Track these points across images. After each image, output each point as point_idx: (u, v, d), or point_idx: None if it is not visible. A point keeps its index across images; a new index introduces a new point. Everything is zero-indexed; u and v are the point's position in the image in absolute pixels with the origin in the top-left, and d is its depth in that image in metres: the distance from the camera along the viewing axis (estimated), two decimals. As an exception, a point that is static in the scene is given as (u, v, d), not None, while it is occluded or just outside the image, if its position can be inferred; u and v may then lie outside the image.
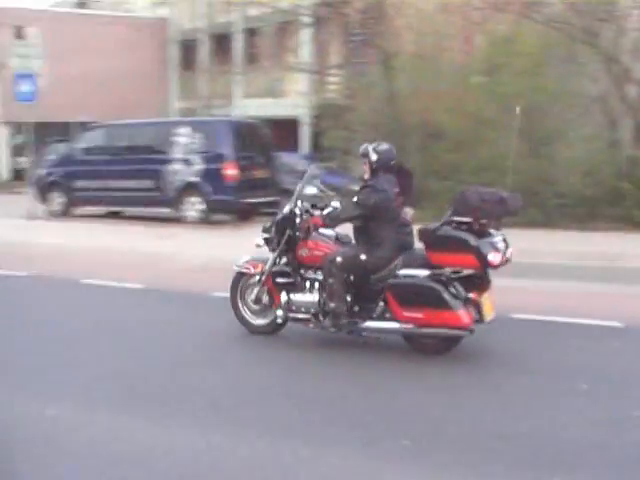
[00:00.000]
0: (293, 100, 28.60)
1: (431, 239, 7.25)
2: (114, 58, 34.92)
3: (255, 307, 8.45)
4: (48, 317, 9.76)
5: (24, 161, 29.62)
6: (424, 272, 7.28)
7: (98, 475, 5.13)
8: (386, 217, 7.61)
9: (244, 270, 8.45)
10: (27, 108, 20.08)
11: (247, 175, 17.85)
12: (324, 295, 7.75)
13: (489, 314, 7.29)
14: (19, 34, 29.01)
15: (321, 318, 7.85)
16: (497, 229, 7.39)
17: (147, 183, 18.33)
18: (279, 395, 6.55)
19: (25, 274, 12.50)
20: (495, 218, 7.34)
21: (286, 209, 8.22)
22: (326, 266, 7.65)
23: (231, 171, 17.46)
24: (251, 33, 34.29)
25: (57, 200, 19.75)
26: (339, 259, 7.57)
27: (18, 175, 29.61)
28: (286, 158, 20.53)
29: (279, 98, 30.16)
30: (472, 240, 7.05)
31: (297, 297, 8.02)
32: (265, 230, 8.34)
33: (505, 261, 7.21)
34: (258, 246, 8.46)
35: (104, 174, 19.02)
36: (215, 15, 35.88)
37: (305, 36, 27.62)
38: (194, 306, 10.14)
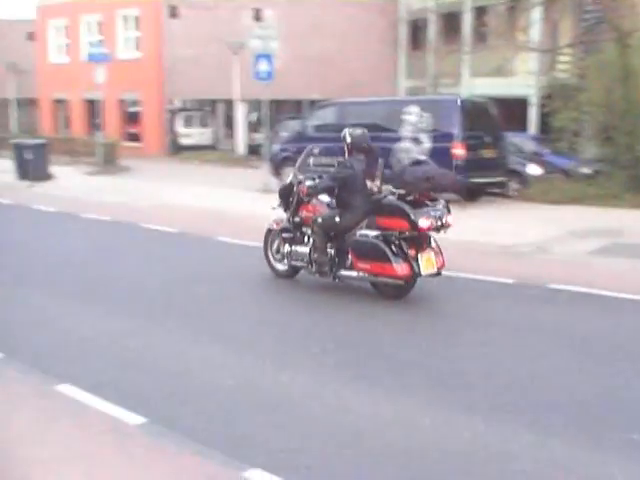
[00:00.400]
0: (522, 80, 28.09)
1: (377, 206, 9.28)
2: (345, 38, 35.83)
3: (277, 256, 10.55)
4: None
5: (259, 137, 31.19)
6: (374, 233, 9.15)
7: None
8: (353, 188, 9.54)
9: (271, 226, 10.66)
10: (264, 86, 21.12)
11: (475, 155, 17.83)
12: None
13: (426, 269, 9.06)
14: (258, 16, 30.49)
15: (310, 266, 9.92)
16: (434, 200, 9.15)
17: (376, 160, 18.76)
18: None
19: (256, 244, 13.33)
20: (421, 192, 9.08)
21: (288, 180, 10.54)
22: (311, 225, 9.85)
23: (459, 150, 17.50)
24: (480, 11, 33.93)
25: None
26: (319, 220, 9.73)
27: (253, 150, 31.18)
28: (513, 138, 20.26)
29: (508, 77, 29.66)
30: (407, 208, 8.91)
31: (296, 248, 10.18)
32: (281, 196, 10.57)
33: (440, 226, 9.02)
34: (273, 208, 10.81)
35: (334, 151, 19.63)
36: (445, -6, 35.86)
37: (536, 14, 26.97)
38: (418, 285, 10.36)
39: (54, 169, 24.81)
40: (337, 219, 9.58)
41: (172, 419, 5.91)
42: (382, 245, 9.03)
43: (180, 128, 34.91)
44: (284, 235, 10.37)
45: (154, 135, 34.03)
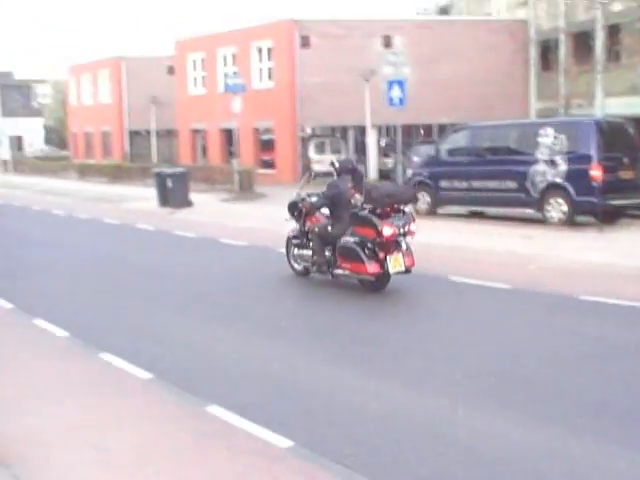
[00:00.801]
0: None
1: (354, 218, 11.51)
2: (474, 61, 35.65)
3: (294, 258, 12.95)
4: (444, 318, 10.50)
5: (390, 162, 31.39)
6: (353, 239, 11.38)
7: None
8: (340, 203, 11.96)
9: (289, 235, 12.99)
10: (394, 112, 21.31)
11: (613, 176, 17.41)
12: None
13: (394, 268, 11.15)
14: (387, 43, 30.75)
15: (312, 266, 12.43)
16: (399, 212, 11.31)
17: (510, 184, 18.59)
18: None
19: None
20: (385, 206, 11.21)
21: (293, 197, 13.00)
22: (311, 233, 12.32)
23: (596, 172, 17.11)
24: (613, 29, 33.15)
25: (423, 199, 20.69)
26: (316, 229, 12.26)
27: (384, 175, 31.39)
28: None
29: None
30: (374, 219, 11.12)
31: (302, 252, 12.67)
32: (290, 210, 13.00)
33: (404, 233, 11.18)
34: (286, 220, 13.25)
35: (468, 174, 19.61)
36: (575, 13, 35.20)
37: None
38: (562, 309, 10.21)
39: (193, 196, 25.72)
40: (329, 228, 12.07)
41: (319, 442, 6.05)
42: (358, 249, 11.32)
43: (312, 154, 35.49)
44: (294, 241, 12.92)
45: (287, 162, 34.74)
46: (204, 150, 40.78)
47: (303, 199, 12.72)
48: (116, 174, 39.48)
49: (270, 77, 35.69)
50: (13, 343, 9.69)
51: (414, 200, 12.77)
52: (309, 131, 37.46)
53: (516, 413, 6.52)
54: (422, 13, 49.44)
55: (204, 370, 8.20)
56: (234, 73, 31.40)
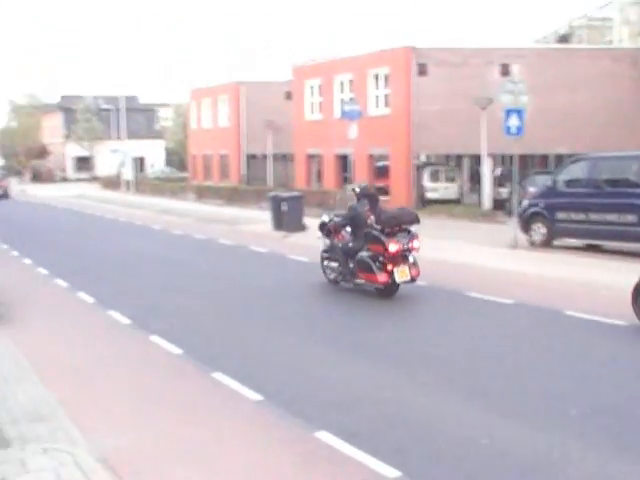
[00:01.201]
0: None
1: (368, 236, 13.65)
2: (594, 90, 34.82)
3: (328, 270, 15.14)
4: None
5: (505, 191, 30.94)
6: (368, 253, 13.58)
7: None
8: (359, 223, 14.20)
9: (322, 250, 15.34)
10: (511, 141, 21.02)
11: None
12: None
13: (401, 278, 13.32)
14: (505, 71, 30.44)
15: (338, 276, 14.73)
16: (401, 230, 13.53)
17: (630, 217, 18.03)
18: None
19: (509, 302, 13.21)
20: (392, 226, 13.50)
21: (322, 218, 15.59)
22: (337, 248, 14.58)
23: None
24: None
25: (538, 230, 20.31)
26: (340, 245, 14.58)
27: (499, 205, 30.96)
28: None
29: None
30: (382, 237, 13.36)
31: (331, 264, 14.98)
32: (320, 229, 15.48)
33: (408, 249, 13.42)
34: (318, 237, 15.98)
35: (585, 206, 19.14)
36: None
37: None
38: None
39: (307, 220, 26.01)
40: (351, 244, 14.34)
41: (427, 475, 6.03)
42: (370, 262, 13.53)
43: (427, 182, 35.39)
44: (324, 255, 15.24)
45: (401, 189, 34.69)
46: (319, 175, 41.21)
47: (331, 220, 15.29)
48: (232, 196, 40.38)
49: (386, 104, 35.83)
50: (130, 359, 10.05)
51: (416, 222, 13.99)
52: (424, 159, 37.37)
53: None
54: (541, 41, 48.73)
55: (313, 393, 8.29)
56: (350, 99, 31.66)
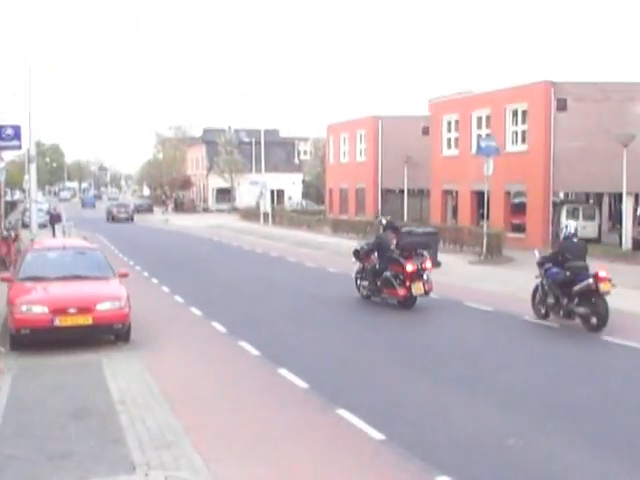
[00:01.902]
0: None
1: (390, 259, 17.08)
2: None
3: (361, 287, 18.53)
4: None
5: (648, 231, 29.70)
6: (390, 273, 16.91)
7: None
8: (383, 249, 17.60)
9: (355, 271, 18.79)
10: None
11: None
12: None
13: (416, 292, 16.60)
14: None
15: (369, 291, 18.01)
16: (416, 253, 17.20)
17: None
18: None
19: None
20: (409, 251, 17.19)
21: (356, 246, 19.13)
22: (366, 269, 17.93)
23: None
24: None
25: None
26: (369, 266, 17.84)
27: (638, 245, 29.77)
28: None
29: None
30: (401, 259, 16.84)
31: (363, 282, 18.23)
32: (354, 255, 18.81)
33: (422, 269, 16.69)
34: (353, 262, 18.95)
35: None
36: None
37: None
38: None
39: (441, 256, 25.77)
40: (377, 266, 17.68)
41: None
42: (392, 279, 17.00)
43: (564, 220, 34.44)
44: (357, 275, 18.69)
45: (538, 227, 33.87)
46: (454, 211, 40.85)
47: (362, 247, 18.79)
48: (368, 230, 40.52)
49: (524, 140, 35.20)
50: (257, 391, 10.21)
51: (428, 247, 18.76)
52: (562, 196, 36.44)
53: None
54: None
55: (437, 436, 8.17)
56: (487, 135, 31.32)
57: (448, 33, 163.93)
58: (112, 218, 62.00)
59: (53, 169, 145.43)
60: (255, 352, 12.44)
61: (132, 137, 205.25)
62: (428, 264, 16.98)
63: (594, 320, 13.92)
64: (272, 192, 59.33)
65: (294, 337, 13.96)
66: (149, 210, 78.38)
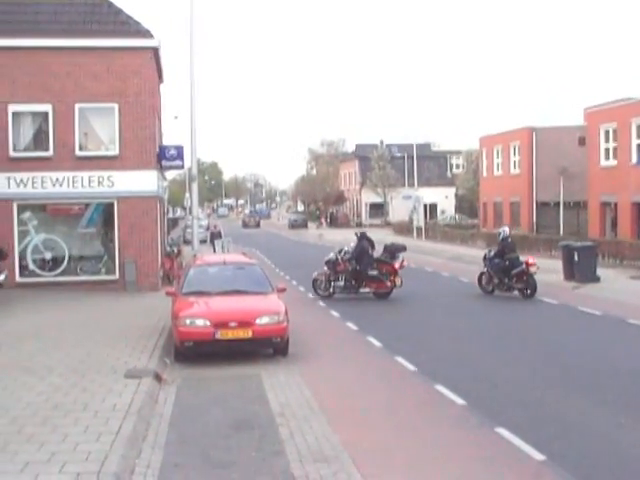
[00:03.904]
0: None
1: (377, 260, 22.02)
2: None
3: (320, 289, 22.68)
4: None
5: None
6: (376, 271, 21.85)
7: None
8: (363, 254, 22.04)
9: (316, 277, 22.94)
10: None
11: None
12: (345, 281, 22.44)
13: (397, 284, 21.73)
14: None
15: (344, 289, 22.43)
16: (395, 255, 22.44)
17: None
18: None
19: None
20: (392, 253, 22.43)
21: (331, 256, 22.59)
22: (340, 272, 22.32)
23: None
24: None
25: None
26: (350, 268, 22.04)
27: None
28: None
29: None
30: (388, 260, 22.18)
31: (338, 283, 22.34)
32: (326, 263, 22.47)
33: (401, 266, 22.12)
34: (326, 270, 22.57)
35: None
36: None
37: None
38: None
39: (599, 271, 24.89)
40: (357, 268, 21.68)
41: None
42: (380, 276, 21.67)
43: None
44: (321, 278, 22.43)
45: None
46: (613, 223, 39.35)
47: (338, 256, 22.25)
48: (522, 244, 39.60)
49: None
50: (414, 407, 10.18)
51: (404, 250, 22.89)
52: None
53: None
54: None
55: (601, 459, 7.88)
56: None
57: (605, 38, 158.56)
58: (245, 224, 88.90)
59: (211, 186, 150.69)
60: (411, 367, 12.42)
61: (286, 154, 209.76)
62: (405, 263, 22.52)
63: (528, 291, 21.23)
64: (425, 206, 59.06)
65: (451, 353, 13.84)
66: (304, 225, 79.77)
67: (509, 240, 22.62)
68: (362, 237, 22.61)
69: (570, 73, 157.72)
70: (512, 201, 50.87)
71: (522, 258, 21.99)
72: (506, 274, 21.62)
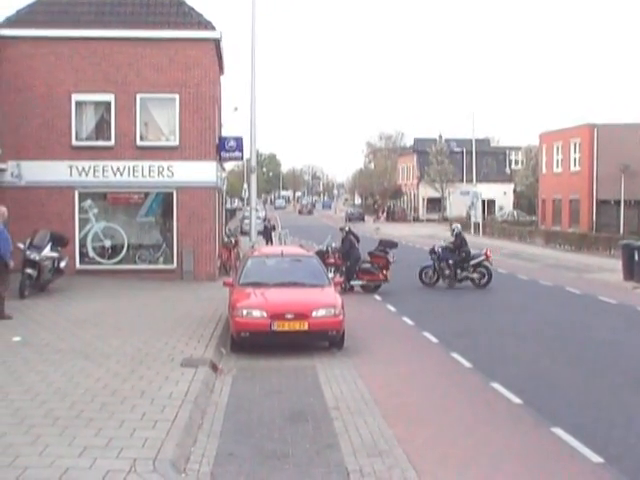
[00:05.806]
0: None
1: (371, 254, 22.83)
2: None
3: None
4: None
5: None
6: (370, 264, 22.60)
7: None
8: (351, 248, 22.70)
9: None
10: None
11: None
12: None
13: (389, 278, 22.35)
14: None
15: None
16: (387, 251, 23.01)
17: None
18: None
19: None
20: (385, 247, 23.18)
21: (321, 247, 24.06)
22: (340, 266, 23.18)
23: None
24: None
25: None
26: (340, 263, 23.14)
27: None
28: None
29: None
30: (382, 254, 22.77)
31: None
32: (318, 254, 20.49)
33: (392, 261, 22.72)
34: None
35: None
36: None
37: None
38: None
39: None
40: (348, 263, 22.38)
41: None
42: (373, 268, 22.32)
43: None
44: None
45: None
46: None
47: (327, 249, 23.25)
48: (581, 243, 39.06)
49: None
50: (469, 404, 10.08)
51: (394, 245, 23.57)
52: None
53: None
54: None
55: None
56: None
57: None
58: (299, 212, 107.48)
59: (269, 178, 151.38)
60: (467, 364, 12.31)
61: (344, 147, 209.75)
62: (395, 257, 22.94)
63: (484, 280, 23.39)
64: (483, 202, 58.48)
65: (507, 350, 13.69)
66: (361, 219, 79.64)
67: (462, 235, 24.28)
68: (349, 232, 23.08)
69: (634, 70, 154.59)
70: (571, 198, 50.12)
71: (473, 252, 24.02)
72: (460, 266, 23.48)
